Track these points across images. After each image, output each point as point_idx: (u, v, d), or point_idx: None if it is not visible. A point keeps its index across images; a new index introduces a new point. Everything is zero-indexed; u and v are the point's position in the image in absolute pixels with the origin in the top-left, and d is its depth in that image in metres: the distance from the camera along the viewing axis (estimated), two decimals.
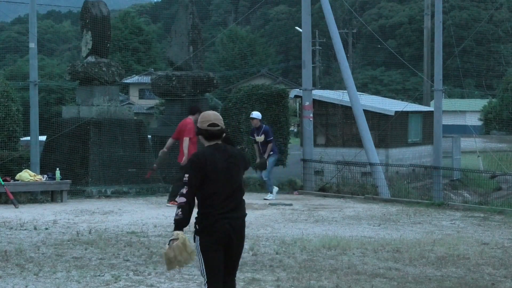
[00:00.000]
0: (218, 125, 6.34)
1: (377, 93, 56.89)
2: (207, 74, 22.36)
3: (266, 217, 14.85)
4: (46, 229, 12.95)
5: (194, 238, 6.34)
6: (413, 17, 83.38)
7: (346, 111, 23.55)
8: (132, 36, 68.70)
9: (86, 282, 8.93)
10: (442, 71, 22.28)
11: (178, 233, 6.20)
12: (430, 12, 36.53)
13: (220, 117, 6.45)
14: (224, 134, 6.37)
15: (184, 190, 6.17)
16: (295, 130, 42.11)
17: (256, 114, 17.90)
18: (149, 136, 21.39)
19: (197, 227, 6.32)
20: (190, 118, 16.34)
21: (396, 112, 23.96)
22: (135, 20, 72.99)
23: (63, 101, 44.31)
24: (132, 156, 19.57)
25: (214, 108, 33.54)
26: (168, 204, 16.45)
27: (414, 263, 10.30)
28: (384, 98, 33.22)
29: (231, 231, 6.27)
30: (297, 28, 52.30)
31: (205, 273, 6.24)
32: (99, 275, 9.25)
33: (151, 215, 14.84)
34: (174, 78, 21.68)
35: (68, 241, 11.69)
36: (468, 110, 51.31)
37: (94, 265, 9.84)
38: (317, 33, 58.78)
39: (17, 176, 17.29)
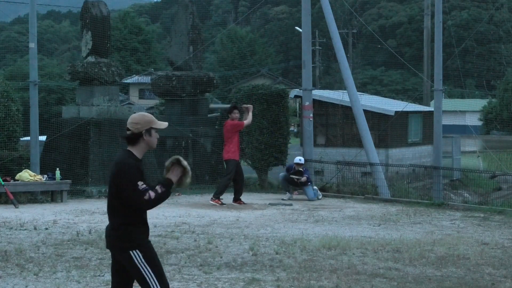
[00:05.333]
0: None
1: (377, 93, 56.89)
2: (207, 74, 22.36)
3: (266, 217, 14.85)
4: (46, 229, 12.95)
5: (132, 255, 5.86)
6: (413, 17, 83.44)
7: (346, 111, 23.58)
8: (131, 36, 68.70)
9: (86, 282, 8.93)
10: (442, 71, 22.30)
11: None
12: (430, 12, 36.55)
13: (132, 119, 5.99)
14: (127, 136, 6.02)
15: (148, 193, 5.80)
16: (295, 130, 42.11)
17: (303, 160, 18.74)
18: None
19: (134, 239, 5.89)
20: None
21: (396, 112, 23.97)
22: (135, 20, 72.99)
23: (63, 101, 44.30)
24: None
25: (214, 108, 33.55)
26: (212, 202, 16.56)
27: (414, 263, 10.29)
28: (384, 98, 33.25)
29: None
30: (297, 28, 52.30)
31: (158, 285, 5.92)
32: (99, 275, 9.24)
33: (151, 215, 14.74)
34: (174, 78, 21.68)
35: (68, 241, 11.68)
36: (468, 110, 51.31)
37: (94, 265, 9.83)
38: (317, 33, 58.77)
39: (17, 176, 17.29)
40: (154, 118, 6.04)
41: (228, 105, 18.22)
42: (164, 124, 6.06)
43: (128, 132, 5.96)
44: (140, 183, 5.79)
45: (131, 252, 5.85)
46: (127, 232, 5.86)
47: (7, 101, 18.62)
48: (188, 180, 5.99)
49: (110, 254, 10.48)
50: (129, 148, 6.00)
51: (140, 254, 5.86)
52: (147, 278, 5.87)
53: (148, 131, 5.96)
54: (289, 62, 78.44)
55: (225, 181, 16.87)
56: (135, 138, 5.95)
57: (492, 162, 26.61)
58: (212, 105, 18.45)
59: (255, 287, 8.79)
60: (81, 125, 19.16)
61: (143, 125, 5.94)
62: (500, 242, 12.26)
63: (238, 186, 16.88)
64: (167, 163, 5.97)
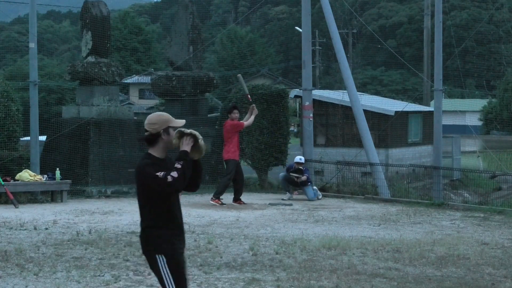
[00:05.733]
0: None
1: (377, 93, 56.88)
2: (207, 74, 22.36)
3: (266, 217, 14.85)
4: (46, 229, 12.95)
5: (157, 259, 5.89)
6: (413, 17, 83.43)
7: (346, 111, 23.57)
8: (131, 36, 68.71)
9: (86, 282, 8.93)
10: (442, 71, 22.28)
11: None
12: (430, 12, 36.55)
13: (149, 120, 5.99)
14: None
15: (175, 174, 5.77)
16: (295, 130, 42.13)
17: (303, 160, 18.76)
18: None
19: (160, 243, 5.90)
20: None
21: (396, 112, 23.96)
22: (135, 20, 72.99)
23: (63, 101, 44.30)
24: (132, 156, 19.57)
25: (214, 108, 33.55)
26: (212, 202, 16.53)
27: (414, 263, 10.29)
28: (384, 98, 33.24)
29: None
30: (297, 28, 52.30)
31: None
32: (99, 275, 9.24)
33: None
34: (174, 78, 21.68)
35: (68, 241, 11.68)
36: (468, 110, 51.31)
37: (94, 265, 9.83)
38: (317, 33, 58.77)
39: (17, 176, 17.29)
40: (171, 117, 6.02)
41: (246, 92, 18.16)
42: (181, 122, 6.02)
43: (146, 133, 5.96)
44: (158, 173, 5.76)
45: (156, 256, 5.87)
46: (154, 236, 5.89)
47: (7, 101, 18.62)
48: (202, 142, 5.95)
49: (110, 254, 10.54)
50: (149, 150, 5.99)
51: (164, 260, 5.86)
52: (167, 286, 5.88)
53: (166, 130, 5.94)
54: (289, 62, 78.43)
55: (225, 181, 16.86)
56: (153, 138, 5.94)
57: (492, 162, 26.60)
58: (240, 76, 18.39)
59: (255, 287, 8.79)
60: (81, 125, 19.16)
61: (160, 125, 5.93)
62: (500, 242, 12.26)
63: (238, 186, 16.87)
64: (174, 141, 5.93)
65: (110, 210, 15.84)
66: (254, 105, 17.36)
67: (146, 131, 5.95)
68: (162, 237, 5.88)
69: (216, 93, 32.93)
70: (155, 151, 5.95)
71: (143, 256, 10.67)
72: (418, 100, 39.28)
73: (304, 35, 21.33)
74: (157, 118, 5.96)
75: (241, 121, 17.02)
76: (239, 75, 18.62)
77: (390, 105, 26.24)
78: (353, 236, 12.47)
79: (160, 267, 5.86)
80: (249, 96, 17.98)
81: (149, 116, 6.02)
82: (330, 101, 25.12)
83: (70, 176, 18.16)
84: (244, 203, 16.75)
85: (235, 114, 16.90)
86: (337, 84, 57.80)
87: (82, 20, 20.40)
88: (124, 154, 19.52)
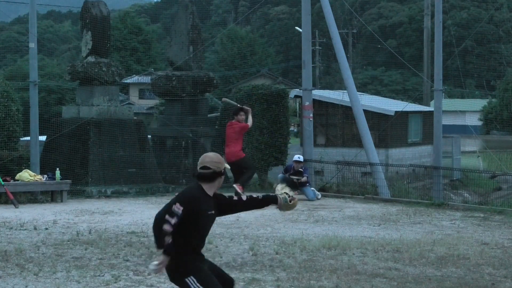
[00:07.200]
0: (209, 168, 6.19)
1: (377, 93, 56.87)
2: (207, 74, 22.36)
3: (266, 217, 14.85)
4: (46, 229, 12.95)
5: (188, 282, 6.09)
6: (413, 17, 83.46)
7: (346, 111, 23.58)
8: (131, 36, 68.73)
9: (86, 282, 8.93)
10: (442, 71, 22.26)
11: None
12: (430, 12, 36.56)
13: (213, 159, 6.24)
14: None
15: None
16: (295, 130, 42.14)
17: (302, 158, 18.86)
18: (149, 136, 21.41)
19: (188, 267, 6.14)
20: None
21: (396, 112, 23.97)
22: (135, 20, 73.01)
23: (63, 101, 44.29)
24: (132, 156, 19.58)
25: (214, 108, 33.55)
26: (235, 186, 16.34)
27: (414, 263, 10.29)
28: (384, 98, 33.24)
29: None
30: (297, 28, 52.33)
31: None
32: (99, 275, 9.24)
33: (151, 215, 14.78)
34: (174, 78, 21.68)
35: (68, 241, 11.68)
36: (468, 110, 51.29)
37: (94, 265, 9.84)
38: (317, 33, 58.79)
39: (17, 176, 17.29)
40: None
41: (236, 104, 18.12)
42: (227, 166, 6.35)
43: (208, 171, 6.13)
44: (177, 206, 5.91)
45: (186, 279, 6.07)
46: (182, 261, 6.07)
47: (7, 101, 18.62)
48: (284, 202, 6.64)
49: (110, 254, 10.54)
50: (203, 185, 6.15)
51: (194, 280, 6.05)
52: None
53: (224, 170, 6.25)
54: (289, 62, 78.44)
55: (250, 174, 16.81)
56: (214, 177, 6.16)
57: (492, 162, 26.60)
58: (225, 99, 18.56)
59: (255, 287, 8.79)
60: (81, 125, 19.16)
61: (222, 164, 6.22)
62: (500, 242, 12.26)
63: (246, 175, 16.71)
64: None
65: (110, 210, 15.84)
66: (244, 106, 17.32)
67: (208, 168, 6.12)
68: (190, 261, 6.09)
69: (216, 93, 32.93)
70: (209, 188, 6.17)
71: (143, 256, 10.69)
72: (418, 100, 39.27)
73: (304, 35, 21.33)
74: (219, 158, 6.25)
75: (246, 123, 17.01)
76: (224, 99, 18.76)
77: (390, 105, 26.25)
78: (353, 236, 12.48)
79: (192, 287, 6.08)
80: (239, 106, 17.85)
81: (211, 155, 6.24)
82: (330, 101, 25.13)
83: (70, 176, 18.16)
84: (243, 190, 16.47)
85: (242, 116, 16.83)
86: (337, 84, 57.80)
87: (82, 20, 20.40)
88: (124, 154, 19.52)
